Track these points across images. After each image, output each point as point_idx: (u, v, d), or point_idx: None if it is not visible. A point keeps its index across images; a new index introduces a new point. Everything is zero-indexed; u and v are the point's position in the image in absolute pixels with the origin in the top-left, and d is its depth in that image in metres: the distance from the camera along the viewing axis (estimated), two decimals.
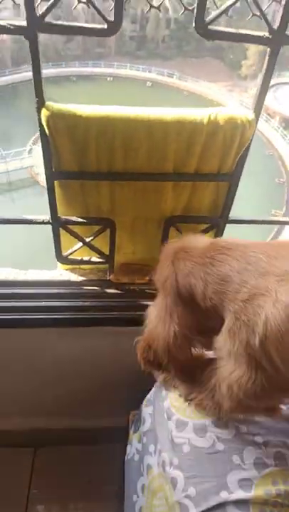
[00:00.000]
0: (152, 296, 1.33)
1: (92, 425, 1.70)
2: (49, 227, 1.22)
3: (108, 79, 21.79)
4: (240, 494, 0.90)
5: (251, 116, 1.00)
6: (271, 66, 0.92)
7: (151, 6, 0.88)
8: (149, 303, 1.31)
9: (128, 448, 1.26)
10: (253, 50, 20.62)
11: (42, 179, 11.69)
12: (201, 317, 0.86)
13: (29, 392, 1.57)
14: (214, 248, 0.84)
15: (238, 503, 0.89)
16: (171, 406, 1.06)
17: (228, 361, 0.83)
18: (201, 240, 0.90)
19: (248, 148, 1.08)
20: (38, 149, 12.15)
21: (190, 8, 0.83)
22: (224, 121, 0.99)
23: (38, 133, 1.01)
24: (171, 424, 1.03)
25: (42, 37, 0.85)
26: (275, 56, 0.90)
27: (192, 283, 0.84)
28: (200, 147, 1.04)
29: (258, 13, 0.84)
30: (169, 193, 1.17)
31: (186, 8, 0.84)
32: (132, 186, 1.14)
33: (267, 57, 0.91)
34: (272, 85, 20.37)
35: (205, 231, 1.28)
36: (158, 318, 0.91)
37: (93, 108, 0.98)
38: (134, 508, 1.11)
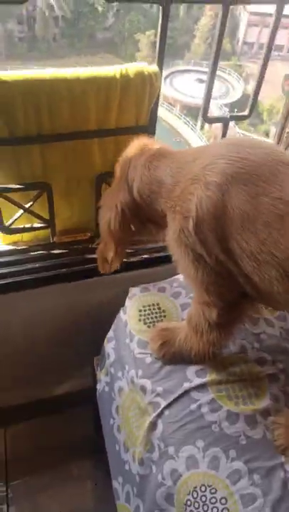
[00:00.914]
0: (95, 251, 1.48)
1: (59, 393, 1.79)
2: None
3: None
4: (198, 381, 1.08)
5: (156, 68, 1.16)
6: (164, 26, 1.08)
7: None
8: (94, 256, 1.45)
9: (98, 386, 1.38)
10: (144, 41, 21.22)
11: None
12: (141, 210, 1.04)
13: None
14: (153, 155, 1.01)
15: (198, 387, 1.07)
16: (132, 330, 1.21)
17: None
18: (149, 146, 1.06)
19: (157, 101, 1.24)
20: None
21: None
22: (134, 74, 1.14)
23: None
24: (133, 345, 1.18)
25: None
26: (167, 14, 1.07)
27: (132, 177, 1.03)
28: (117, 101, 1.18)
29: None
30: (95, 151, 1.30)
31: None
32: (61, 147, 1.24)
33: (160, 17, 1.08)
34: (168, 75, 21.17)
35: None
36: (106, 206, 1.10)
37: (16, 72, 1.08)
38: (113, 430, 1.24)
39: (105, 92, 1.15)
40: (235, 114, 1.33)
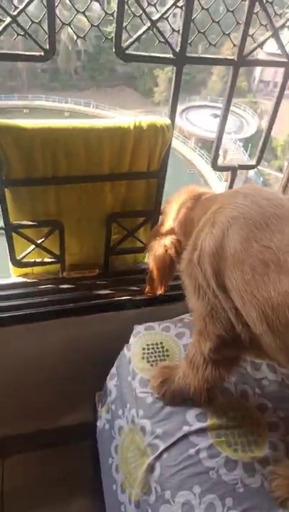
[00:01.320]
0: (102, 287, 1.51)
1: (59, 424, 1.79)
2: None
3: (24, 111, 21.83)
4: (198, 425, 1.08)
5: (168, 121, 1.23)
6: (178, 83, 1.16)
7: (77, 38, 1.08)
8: (101, 292, 1.49)
9: (98, 423, 1.38)
10: (162, 77, 22.00)
11: None
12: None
13: None
14: (191, 199, 1.13)
15: (197, 431, 1.07)
16: (135, 367, 1.23)
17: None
18: (191, 192, 1.17)
19: (169, 149, 1.31)
20: None
21: (109, 37, 1.05)
22: (147, 126, 1.21)
23: None
24: (136, 383, 1.20)
25: None
26: (180, 74, 1.15)
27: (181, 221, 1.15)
28: (130, 149, 1.25)
29: (163, 40, 1.08)
30: (107, 193, 1.36)
31: (106, 38, 1.05)
32: (75, 189, 1.31)
33: (174, 75, 1.16)
34: (184, 109, 21.82)
35: (141, 224, 1.48)
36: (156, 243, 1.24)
37: (35, 122, 1.16)
38: (111, 470, 1.24)
39: (119, 141, 1.22)
40: (243, 164, 1.39)
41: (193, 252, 0.96)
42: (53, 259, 1.46)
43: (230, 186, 1.43)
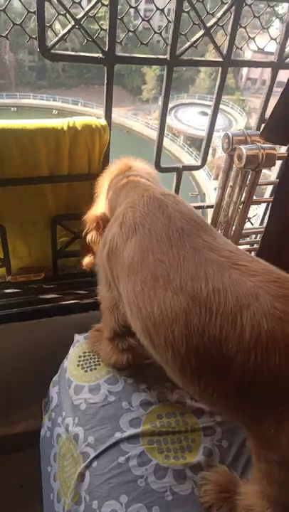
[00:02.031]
0: (50, 291, 1.48)
1: (15, 432, 1.76)
2: None
3: (12, 109, 21.66)
4: (131, 431, 1.06)
5: (104, 122, 1.21)
6: (110, 81, 1.13)
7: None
8: (47, 296, 1.46)
9: (41, 430, 1.36)
10: (150, 74, 21.94)
11: None
12: None
13: None
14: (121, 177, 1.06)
15: (129, 438, 1.05)
16: (70, 376, 1.21)
17: None
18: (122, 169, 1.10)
19: (108, 151, 1.29)
20: None
21: (33, 36, 1.02)
22: (81, 126, 1.19)
23: None
24: (71, 391, 1.18)
25: None
26: (111, 73, 1.12)
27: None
28: (67, 151, 1.23)
29: (90, 39, 1.05)
30: (49, 195, 1.34)
31: (30, 37, 1.02)
32: (15, 192, 1.28)
33: (105, 75, 1.13)
34: (173, 107, 21.78)
35: None
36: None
37: None
38: (50, 478, 1.22)
39: (54, 142, 1.19)
40: (187, 164, 1.37)
41: (104, 248, 0.96)
42: None
43: (176, 188, 1.41)
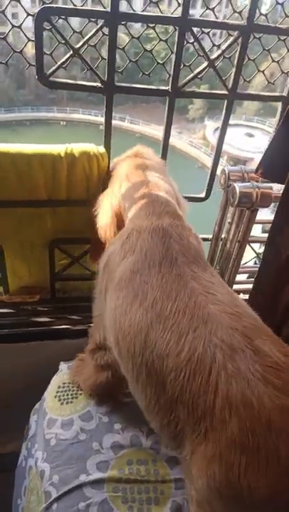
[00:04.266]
0: (43, 314, 1.47)
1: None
2: None
3: (62, 123, 22.47)
4: (97, 475, 1.01)
5: (102, 149, 1.19)
6: (109, 111, 1.12)
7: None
8: (40, 319, 1.45)
9: (20, 457, 1.32)
10: None
11: None
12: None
13: None
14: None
15: (94, 483, 1.00)
16: (46, 407, 1.17)
17: None
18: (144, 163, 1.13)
19: (108, 177, 1.26)
20: None
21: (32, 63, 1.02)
22: (79, 153, 1.17)
23: None
24: (45, 423, 1.14)
25: None
26: (111, 101, 1.11)
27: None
28: (64, 176, 1.22)
29: (89, 67, 1.05)
30: (47, 218, 1.33)
31: (29, 64, 1.03)
32: (12, 213, 1.29)
33: (105, 103, 1.12)
34: (217, 128, 21.77)
35: (87, 251, 1.43)
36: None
37: None
38: (18, 511, 1.18)
39: (51, 167, 1.19)
40: (191, 195, 1.32)
41: (104, 258, 1.00)
42: None
43: None
